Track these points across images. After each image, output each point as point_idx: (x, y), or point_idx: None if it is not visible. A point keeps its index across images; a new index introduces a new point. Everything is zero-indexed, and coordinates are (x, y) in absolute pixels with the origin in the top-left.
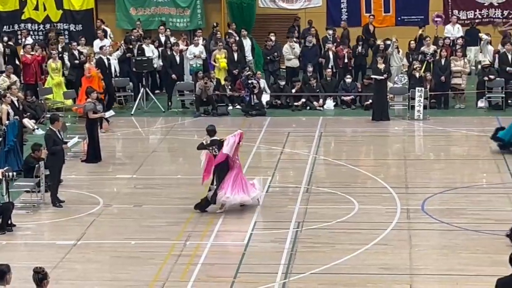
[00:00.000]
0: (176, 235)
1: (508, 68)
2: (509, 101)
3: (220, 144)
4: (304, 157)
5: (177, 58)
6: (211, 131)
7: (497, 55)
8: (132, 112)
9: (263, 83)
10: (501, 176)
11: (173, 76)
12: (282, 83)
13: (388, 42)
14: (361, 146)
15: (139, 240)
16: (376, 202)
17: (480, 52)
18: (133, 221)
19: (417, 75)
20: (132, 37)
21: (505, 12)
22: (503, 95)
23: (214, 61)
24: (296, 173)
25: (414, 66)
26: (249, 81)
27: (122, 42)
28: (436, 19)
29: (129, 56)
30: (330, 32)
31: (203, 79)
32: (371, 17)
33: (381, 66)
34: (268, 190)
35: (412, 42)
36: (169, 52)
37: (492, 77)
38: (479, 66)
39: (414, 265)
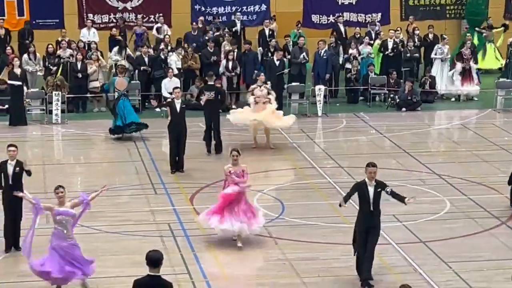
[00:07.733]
0: None
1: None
2: (146, 103)
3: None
4: None
5: None
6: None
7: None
8: None
9: None
10: (139, 178)
11: None
12: None
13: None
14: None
15: None
16: None
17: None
18: None
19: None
20: None
21: (139, 16)
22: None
23: None
24: None
25: (51, 71)
26: None
27: None
28: None
29: None
30: None
31: None
32: (1, 20)
33: (18, 70)
34: None
35: (50, 46)
36: None
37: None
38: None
39: None
